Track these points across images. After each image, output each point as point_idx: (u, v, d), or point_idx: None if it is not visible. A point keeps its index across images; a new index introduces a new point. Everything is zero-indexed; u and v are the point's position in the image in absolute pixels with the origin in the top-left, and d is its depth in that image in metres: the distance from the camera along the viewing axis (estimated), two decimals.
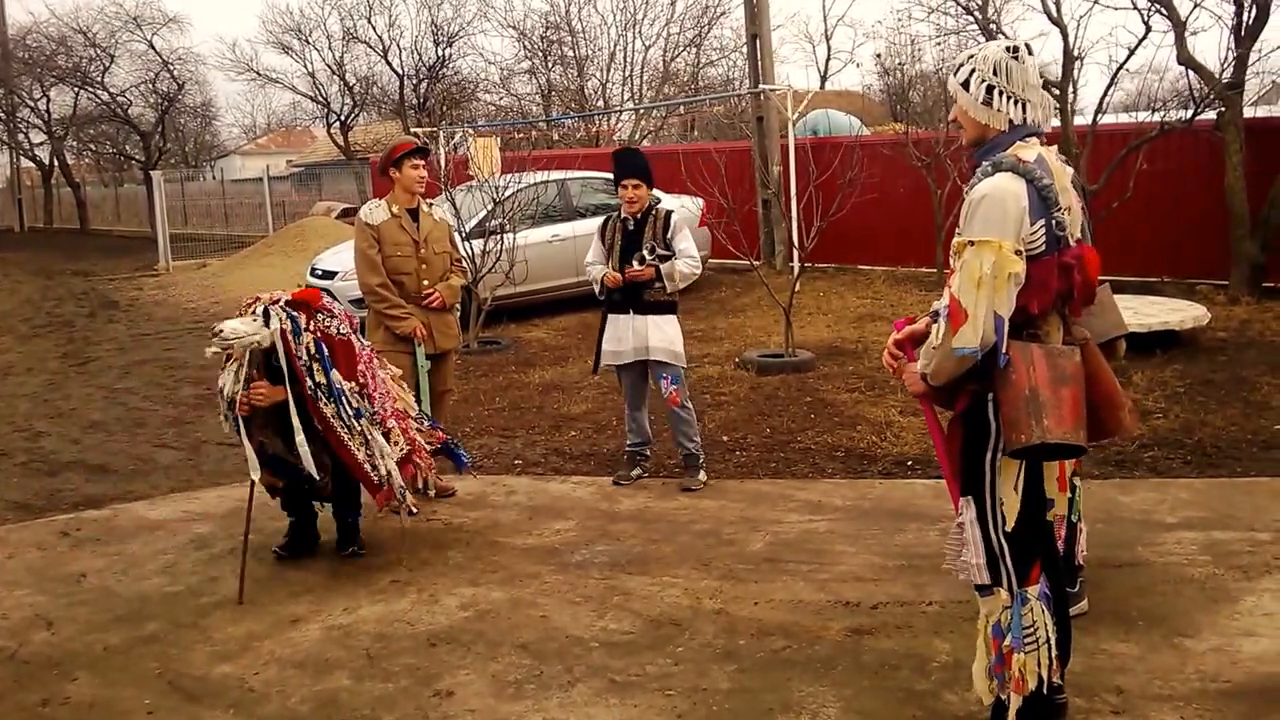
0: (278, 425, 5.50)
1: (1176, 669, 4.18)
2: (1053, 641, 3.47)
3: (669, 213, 6.90)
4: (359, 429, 5.46)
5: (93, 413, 9.85)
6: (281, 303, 5.39)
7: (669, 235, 6.77)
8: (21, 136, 40.81)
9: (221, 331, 5.23)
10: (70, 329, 15.34)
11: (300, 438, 5.33)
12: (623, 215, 6.91)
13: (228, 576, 5.48)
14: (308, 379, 5.34)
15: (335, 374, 5.42)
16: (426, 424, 6.12)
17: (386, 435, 5.61)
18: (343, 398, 5.42)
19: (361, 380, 5.56)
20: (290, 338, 5.32)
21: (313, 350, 5.37)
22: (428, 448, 6.00)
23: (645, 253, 6.72)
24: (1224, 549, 5.32)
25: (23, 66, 36.44)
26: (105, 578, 5.70)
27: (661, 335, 6.78)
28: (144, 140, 37.50)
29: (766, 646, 4.59)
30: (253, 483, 5.50)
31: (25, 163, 44.19)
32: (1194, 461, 6.82)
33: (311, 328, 5.42)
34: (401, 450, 5.70)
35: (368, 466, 5.49)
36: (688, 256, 6.76)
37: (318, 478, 5.44)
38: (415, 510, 6.21)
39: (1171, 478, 6.57)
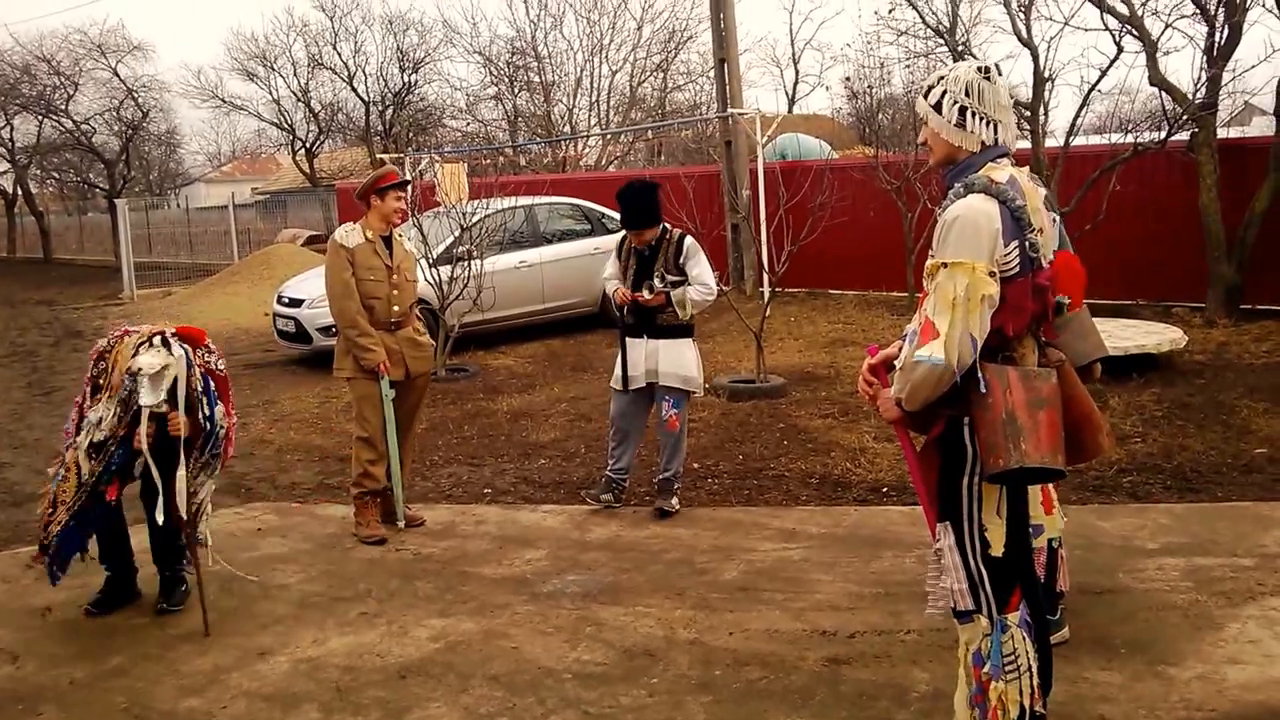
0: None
1: (1161, 697, 4.13)
2: (1034, 670, 3.40)
3: (682, 236, 6.82)
4: (203, 469, 5.35)
5: (56, 443, 9.55)
6: (169, 333, 5.25)
7: (681, 260, 6.71)
8: None
9: (141, 370, 5.05)
10: (34, 358, 15.17)
11: (183, 471, 5.17)
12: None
13: (195, 608, 5.36)
14: (199, 411, 5.24)
15: (219, 409, 5.34)
16: None
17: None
18: (214, 435, 5.32)
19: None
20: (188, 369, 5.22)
21: (199, 385, 5.27)
22: None
23: (656, 281, 6.65)
24: (1206, 575, 5.28)
25: None
26: (70, 611, 5.58)
27: (672, 360, 6.70)
28: (108, 168, 37.36)
29: (742, 677, 4.52)
30: (194, 515, 5.35)
31: None
32: (1174, 486, 6.78)
33: (199, 361, 5.31)
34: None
35: (181, 505, 5.28)
36: (700, 283, 6.68)
37: (176, 519, 5.24)
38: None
39: (1151, 503, 6.53)
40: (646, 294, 6.64)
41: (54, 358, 15.13)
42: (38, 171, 41.61)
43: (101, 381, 5.29)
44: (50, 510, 5.34)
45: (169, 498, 5.23)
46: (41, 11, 69.41)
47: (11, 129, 38.19)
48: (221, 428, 5.37)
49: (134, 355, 5.14)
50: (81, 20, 59.19)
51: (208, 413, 5.29)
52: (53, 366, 14.31)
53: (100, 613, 5.52)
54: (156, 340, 5.20)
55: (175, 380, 5.15)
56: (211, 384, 5.35)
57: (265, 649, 5.04)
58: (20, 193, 40.72)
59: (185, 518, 5.25)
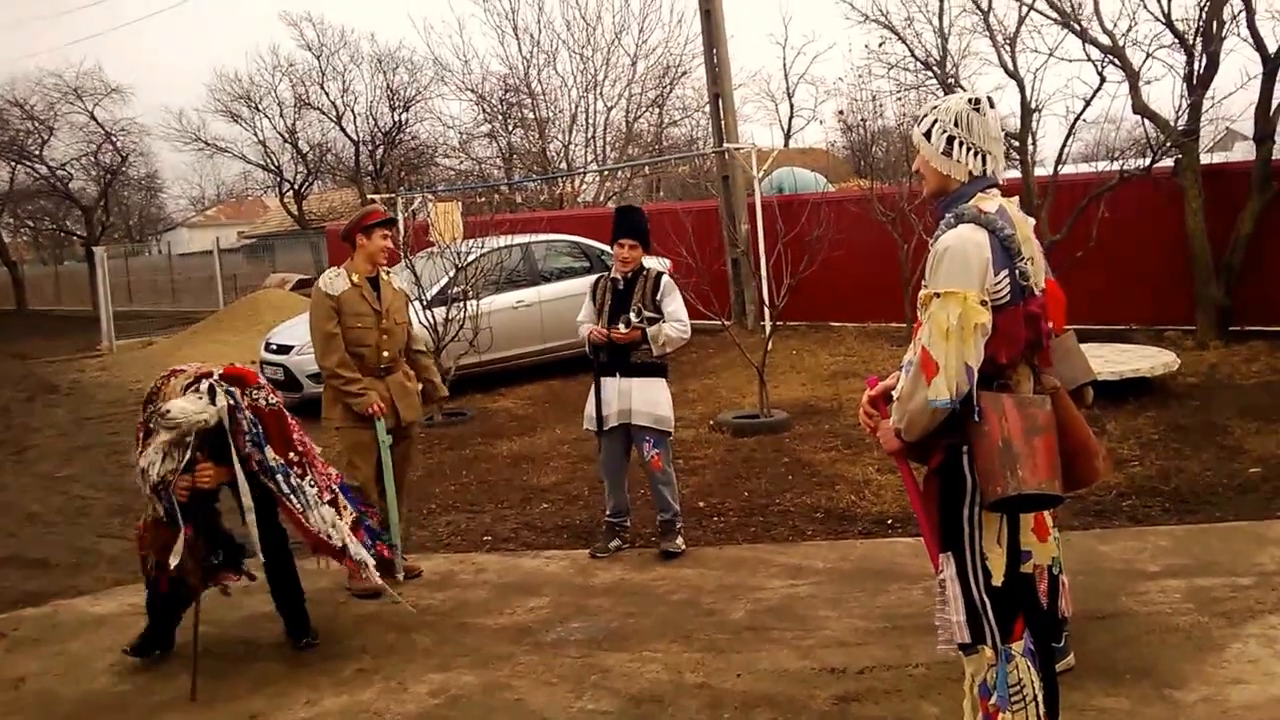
0: (207, 511, 5.33)
1: None
2: (1040, 699, 3.39)
3: (659, 274, 6.81)
4: (302, 501, 5.32)
5: (30, 503, 9.39)
6: (216, 377, 5.21)
7: (658, 297, 6.69)
8: None
9: (169, 412, 5.00)
10: (6, 415, 14.61)
11: (251, 517, 5.18)
12: (613, 275, 6.85)
13: (180, 673, 5.21)
14: (254, 456, 5.22)
15: (269, 449, 5.26)
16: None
17: (334, 503, 5.47)
18: (277, 474, 5.26)
19: (300, 450, 5.41)
20: (234, 414, 5.18)
21: (249, 428, 5.22)
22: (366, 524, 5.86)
23: (632, 315, 6.63)
24: (1207, 595, 5.30)
25: None
26: (47, 680, 5.42)
27: (646, 399, 6.66)
28: (86, 215, 36.67)
29: (752, 719, 4.47)
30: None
31: None
32: (1172, 508, 6.79)
33: (245, 403, 5.25)
34: (350, 518, 5.54)
35: (325, 537, 5.35)
36: (676, 320, 6.67)
37: (260, 556, 5.27)
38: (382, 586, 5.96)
39: (1151, 525, 6.54)
40: (622, 328, 6.62)
41: (28, 414, 14.59)
42: (11, 220, 40.75)
43: (151, 425, 5.22)
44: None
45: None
46: (13, 55, 69.29)
47: None
48: (276, 461, 5.27)
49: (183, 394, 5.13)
50: (56, 63, 58.55)
51: (259, 457, 5.23)
52: (26, 423, 13.76)
53: (141, 655, 5.50)
54: (203, 385, 5.14)
55: (211, 430, 5.13)
56: (259, 426, 5.27)
57: (256, 712, 4.93)
58: None
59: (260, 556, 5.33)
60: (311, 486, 5.39)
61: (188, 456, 5.13)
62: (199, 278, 32.07)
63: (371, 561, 5.55)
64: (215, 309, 25.06)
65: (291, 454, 5.37)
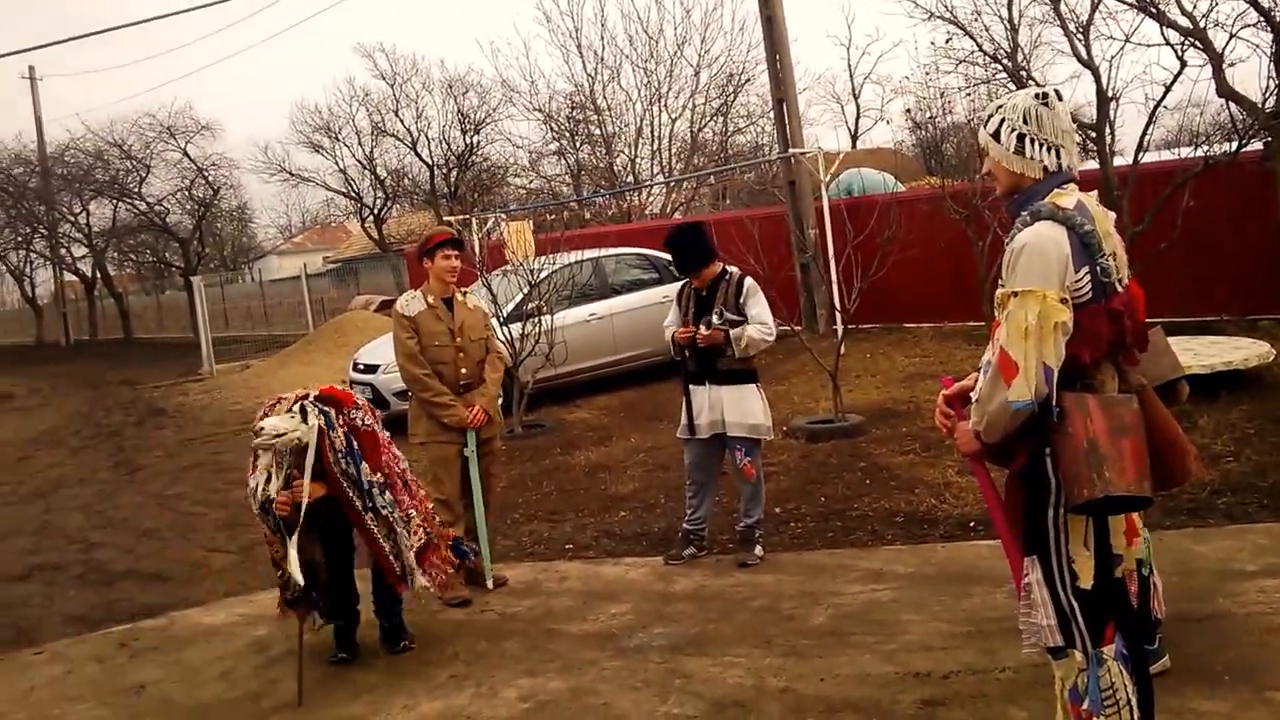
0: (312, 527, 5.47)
1: None
2: (1134, 703, 3.31)
3: (741, 277, 6.79)
4: (384, 521, 5.52)
5: (145, 520, 9.87)
6: (312, 398, 5.44)
7: (741, 300, 6.67)
8: (64, 251, 41.56)
9: (263, 430, 5.24)
10: (119, 438, 15.43)
11: (293, 538, 5.29)
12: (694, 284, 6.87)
13: (287, 679, 5.40)
14: (339, 475, 5.40)
15: (365, 466, 5.46)
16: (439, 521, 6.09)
17: (407, 523, 5.63)
18: (371, 491, 5.46)
19: (386, 470, 5.58)
20: (326, 433, 5.36)
21: (342, 445, 5.41)
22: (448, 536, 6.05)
23: (714, 317, 6.62)
24: None
25: (62, 183, 37.06)
26: (165, 688, 5.67)
27: (738, 409, 6.64)
28: (183, 247, 37.92)
29: None
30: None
31: (68, 276, 44.96)
32: (1270, 505, 6.56)
33: (341, 422, 5.45)
34: (420, 540, 5.70)
35: (392, 558, 5.57)
36: (759, 323, 6.62)
37: (300, 581, 5.30)
38: (441, 597, 6.30)
39: (1248, 523, 6.33)
40: (704, 329, 6.61)
41: (138, 437, 15.40)
42: (115, 254, 42.26)
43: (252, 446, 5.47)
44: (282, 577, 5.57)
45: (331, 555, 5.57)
46: (111, 99, 71.37)
47: (88, 214, 39.09)
48: (369, 483, 5.47)
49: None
50: (150, 104, 60.52)
51: (353, 473, 5.43)
52: (137, 445, 14.57)
53: (350, 658, 5.74)
54: (295, 406, 5.36)
55: (306, 448, 5.32)
56: (354, 442, 5.47)
57: (357, 716, 5.06)
58: (99, 276, 41.50)
59: (290, 579, 5.38)
60: (395, 508, 5.56)
61: (284, 474, 5.32)
62: (289, 302, 32.96)
63: (428, 585, 5.77)
64: (305, 332, 25.59)
65: (378, 474, 5.53)
